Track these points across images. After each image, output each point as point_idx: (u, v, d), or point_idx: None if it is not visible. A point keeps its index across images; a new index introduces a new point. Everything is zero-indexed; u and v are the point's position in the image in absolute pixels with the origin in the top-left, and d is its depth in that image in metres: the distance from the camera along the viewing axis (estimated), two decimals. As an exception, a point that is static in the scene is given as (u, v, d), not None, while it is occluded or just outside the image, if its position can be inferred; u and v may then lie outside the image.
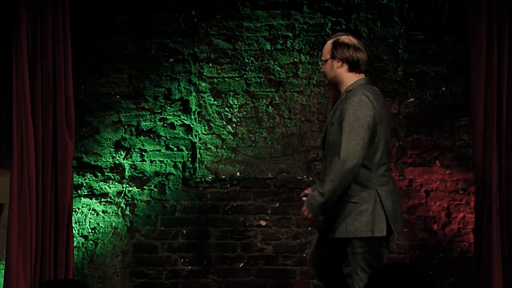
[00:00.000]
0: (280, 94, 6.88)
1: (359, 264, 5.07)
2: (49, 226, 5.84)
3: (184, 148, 6.93)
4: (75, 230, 6.81)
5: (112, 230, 6.94)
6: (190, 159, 6.93)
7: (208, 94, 6.92)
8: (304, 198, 5.22)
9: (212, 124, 6.92)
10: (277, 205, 6.90)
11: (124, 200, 6.97)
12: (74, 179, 6.69)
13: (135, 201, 6.90)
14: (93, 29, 6.86)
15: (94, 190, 6.95)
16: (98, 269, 6.95)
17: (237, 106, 6.92)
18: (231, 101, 6.92)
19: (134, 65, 6.94)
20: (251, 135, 6.93)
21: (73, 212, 6.74)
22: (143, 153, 6.93)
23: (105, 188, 6.95)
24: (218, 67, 6.93)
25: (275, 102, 6.90)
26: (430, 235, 6.79)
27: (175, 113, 6.93)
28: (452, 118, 6.76)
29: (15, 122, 5.76)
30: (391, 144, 6.75)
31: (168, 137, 6.94)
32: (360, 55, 5.20)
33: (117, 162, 6.95)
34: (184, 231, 6.90)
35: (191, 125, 6.93)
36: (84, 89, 6.90)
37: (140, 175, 6.92)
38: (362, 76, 5.22)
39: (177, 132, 6.93)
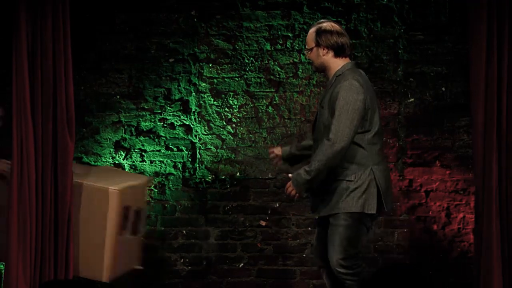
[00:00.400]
0: (280, 95, 6.88)
1: (337, 236, 5.17)
2: (49, 226, 5.83)
3: (184, 149, 6.93)
4: (75, 230, 6.81)
5: None
6: (190, 160, 6.92)
7: (208, 94, 6.91)
8: (289, 175, 5.30)
9: (212, 125, 6.92)
10: (277, 205, 6.90)
11: (124, 200, 6.96)
12: (74, 179, 6.69)
13: (135, 201, 6.90)
14: (93, 29, 6.86)
15: (94, 190, 6.95)
16: (98, 269, 6.95)
17: (237, 106, 6.92)
18: (231, 101, 6.92)
19: (134, 65, 6.94)
20: (251, 135, 6.93)
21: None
22: (143, 153, 6.93)
23: (105, 188, 6.95)
24: (218, 67, 6.93)
25: (275, 102, 6.90)
26: (430, 235, 6.78)
27: (175, 113, 6.93)
28: (452, 118, 6.76)
29: (14, 122, 5.75)
30: (391, 144, 6.76)
31: (168, 138, 6.94)
32: (344, 39, 5.29)
33: (117, 162, 6.95)
34: (184, 231, 6.89)
35: (191, 126, 6.93)
36: (84, 89, 6.90)
37: (140, 175, 6.92)
38: (348, 60, 5.33)
39: (177, 133, 6.93)
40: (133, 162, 6.93)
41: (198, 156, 6.92)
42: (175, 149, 6.94)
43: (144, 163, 6.91)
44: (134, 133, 6.95)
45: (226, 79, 6.93)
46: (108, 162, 6.93)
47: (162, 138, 6.94)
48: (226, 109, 6.92)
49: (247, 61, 6.91)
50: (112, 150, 6.94)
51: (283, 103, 6.90)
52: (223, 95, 6.92)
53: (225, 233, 6.88)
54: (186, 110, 6.93)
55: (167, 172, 6.92)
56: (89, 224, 5.86)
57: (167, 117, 6.93)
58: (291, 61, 6.88)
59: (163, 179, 6.91)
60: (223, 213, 6.87)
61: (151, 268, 6.83)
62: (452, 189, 6.77)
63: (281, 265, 6.88)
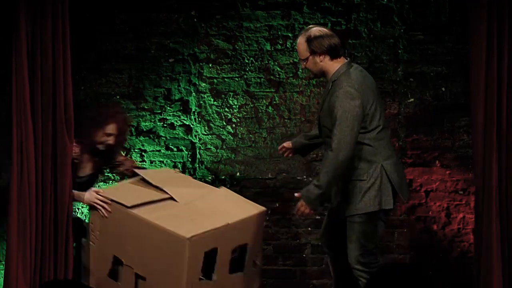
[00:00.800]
0: (280, 95, 6.88)
1: (355, 234, 5.31)
2: (49, 226, 5.83)
3: (184, 149, 6.93)
4: (75, 230, 6.80)
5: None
6: (190, 160, 6.92)
7: (208, 94, 6.91)
8: (296, 195, 5.45)
9: (212, 125, 6.92)
10: (277, 205, 6.90)
11: (124, 200, 6.96)
12: (74, 180, 6.69)
13: (135, 202, 6.90)
14: (93, 29, 6.86)
15: (94, 191, 6.94)
16: (98, 270, 6.94)
17: (237, 106, 6.92)
18: (231, 102, 6.92)
19: (134, 65, 6.94)
20: (251, 136, 6.93)
21: (73, 213, 6.73)
22: (143, 153, 6.93)
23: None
24: (218, 68, 6.92)
25: (275, 102, 6.90)
26: (430, 235, 6.78)
27: (175, 113, 6.93)
28: (452, 118, 6.76)
29: (14, 122, 5.75)
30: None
31: (168, 138, 6.94)
32: (335, 40, 5.35)
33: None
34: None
35: (191, 126, 6.92)
36: (84, 89, 6.90)
37: (140, 175, 6.91)
38: (343, 60, 5.37)
39: (177, 133, 6.93)
40: (133, 162, 6.94)
41: (198, 156, 6.92)
42: (175, 149, 6.94)
43: (144, 163, 6.91)
44: (134, 133, 6.94)
45: (226, 79, 6.93)
46: (108, 162, 6.93)
47: (162, 138, 6.94)
48: (226, 109, 6.92)
49: (247, 61, 6.91)
50: (112, 150, 6.94)
51: (283, 103, 6.90)
52: (223, 95, 6.92)
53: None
54: (186, 110, 6.93)
55: (167, 172, 6.91)
56: (165, 275, 5.26)
57: (167, 117, 6.93)
58: (291, 61, 6.88)
59: (163, 179, 6.90)
60: (223, 213, 6.87)
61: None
62: (452, 189, 6.77)
63: (281, 265, 6.88)
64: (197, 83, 6.93)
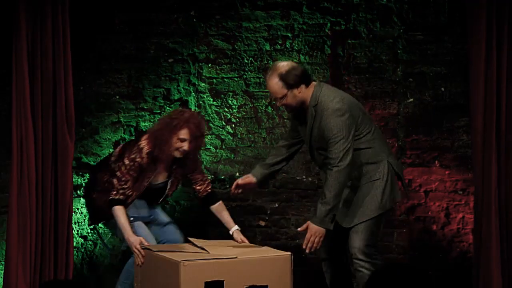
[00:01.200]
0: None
1: (363, 226, 5.35)
2: (49, 227, 5.84)
3: (183, 149, 6.93)
4: (74, 230, 6.80)
5: (112, 231, 6.94)
6: (189, 160, 6.92)
7: (207, 94, 6.92)
8: (299, 229, 5.42)
9: (211, 125, 6.92)
10: (277, 205, 6.90)
11: (123, 200, 6.96)
12: (73, 180, 6.69)
13: (135, 202, 6.90)
14: (93, 29, 6.86)
15: (94, 191, 6.95)
16: (97, 270, 6.95)
17: (236, 106, 6.92)
18: (230, 102, 6.92)
19: (134, 65, 6.94)
20: (250, 136, 6.93)
21: (73, 213, 6.74)
22: (142, 153, 6.93)
23: (104, 188, 6.95)
24: (217, 68, 6.93)
25: (274, 102, 6.90)
26: (429, 235, 6.79)
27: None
28: (451, 118, 6.76)
29: (14, 122, 5.76)
30: (390, 144, 6.78)
31: (168, 138, 6.93)
32: (301, 67, 5.37)
33: (116, 162, 6.94)
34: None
35: (191, 126, 6.92)
36: (83, 90, 6.90)
37: (139, 175, 6.91)
38: (313, 83, 5.38)
39: (177, 133, 6.93)
40: (133, 162, 6.93)
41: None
42: (174, 149, 6.93)
43: (144, 163, 6.91)
44: (133, 133, 6.94)
45: (225, 79, 6.93)
46: (108, 162, 6.93)
47: (162, 138, 6.93)
48: (226, 109, 6.92)
49: (246, 61, 6.91)
50: (111, 150, 6.94)
51: (282, 103, 6.90)
52: (222, 95, 6.92)
53: (225, 233, 6.87)
54: (185, 110, 6.92)
55: (166, 172, 6.91)
56: None
57: (167, 117, 6.92)
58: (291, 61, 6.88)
59: (163, 179, 6.91)
60: (222, 213, 6.87)
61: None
62: (452, 189, 6.78)
63: (280, 265, 6.87)
64: (196, 83, 6.93)
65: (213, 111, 6.92)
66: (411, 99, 6.81)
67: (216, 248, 5.49)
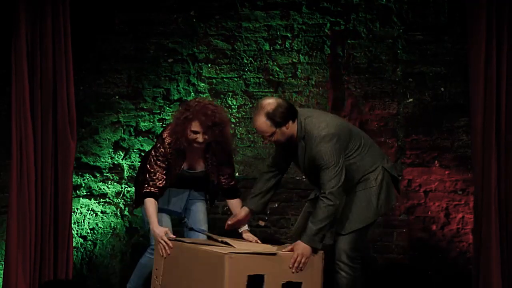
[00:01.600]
0: (279, 95, 6.88)
1: (352, 228, 5.36)
2: (48, 227, 5.84)
3: (183, 149, 6.93)
4: (74, 230, 6.81)
5: (111, 231, 6.94)
6: (189, 160, 6.92)
7: (207, 94, 6.92)
8: (287, 249, 5.30)
9: (211, 125, 6.91)
10: (276, 205, 6.90)
11: (123, 200, 6.96)
12: (73, 180, 6.69)
13: (134, 202, 6.90)
14: (92, 29, 6.86)
15: (93, 191, 6.95)
16: (97, 270, 6.95)
17: (236, 106, 6.93)
18: (230, 102, 6.92)
19: (133, 65, 6.94)
20: (250, 136, 6.93)
21: (72, 213, 6.74)
22: (142, 153, 6.93)
23: (104, 188, 6.95)
24: (217, 68, 6.93)
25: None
26: (429, 235, 6.79)
27: (174, 113, 6.93)
28: (451, 118, 6.76)
29: (14, 122, 5.76)
30: (390, 145, 6.78)
31: (167, 138, 6.93)
32: (286, 103, 5.30)
33: (116, 162, 6.95)
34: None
35: (190, 126, 6.92)
36: (83, 90, 6.90)
37: (139, 175, 6.91)
38: (298, 113, 5.33)
39: (176, 133, 6.93)
40: (132, 162, 6.94)
41: (197, 156, 6.92)
42: (174, 149, 6.93)
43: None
44: (133, 133, 6.95)
45: (225, 79, 6.93)
46: (107, 162, 6.93)
47: (161, 138, 6.93)
48: (225, 109, 6.92)
49: (246, 61, 6.91)
50: (111, 150, 6.94)
51: (282, 103, 6.90)
52: (222, 95, 6.92)
53: (224, 233, 6.87)
54: (185, 110, 6.92)
55: (166, 172, 6.91)
56: None
57: (166, 117, 6.93)
58: (290, 61, 6.89)
59: (162, 179, 6.90)
60: (222, 213, 6.87)
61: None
62: (451, 189, 6.78)
63: (280, 265, 6.87)
64: (196, 83, 6.93)
65: (213, 111, 6.91)
66: (411, 99, 6.81)
67: (241, 245, 5.47)
